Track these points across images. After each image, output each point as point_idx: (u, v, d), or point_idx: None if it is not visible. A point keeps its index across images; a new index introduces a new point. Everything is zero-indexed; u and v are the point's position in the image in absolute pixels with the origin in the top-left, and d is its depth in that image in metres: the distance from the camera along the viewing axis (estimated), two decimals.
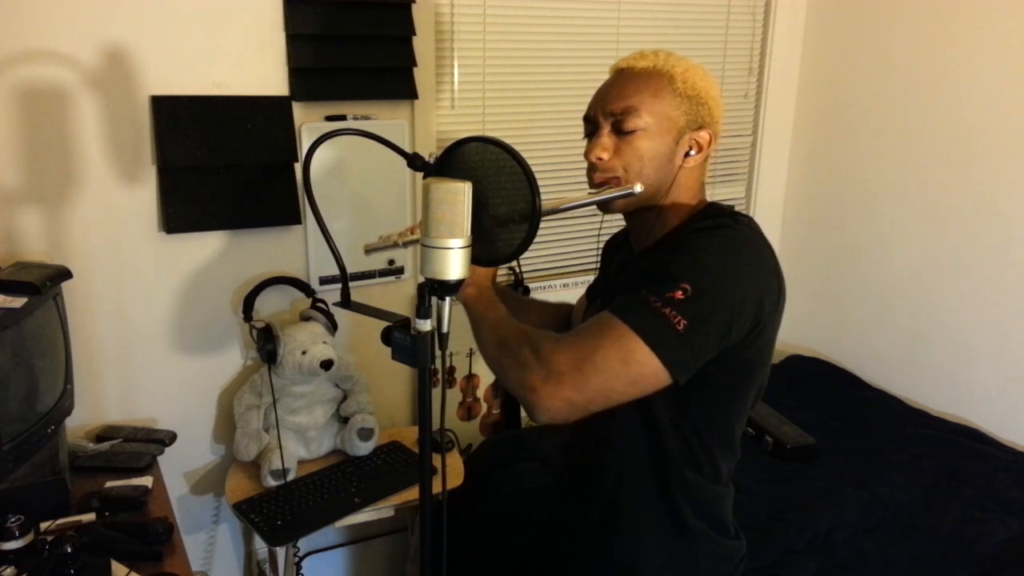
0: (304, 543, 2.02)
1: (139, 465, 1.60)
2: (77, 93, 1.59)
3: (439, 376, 2.05)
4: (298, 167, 1.83)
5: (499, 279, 2.22)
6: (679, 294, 0.96)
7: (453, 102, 2.07)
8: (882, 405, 2.34)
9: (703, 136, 1.11)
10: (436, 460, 1.14)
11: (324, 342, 1.78)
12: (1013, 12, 2.02)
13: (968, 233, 2.19)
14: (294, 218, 1.84)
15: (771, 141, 2.63)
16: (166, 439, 1.71)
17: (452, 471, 1.86)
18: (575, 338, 0.99)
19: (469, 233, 0.88)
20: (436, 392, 1.55)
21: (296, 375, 1.77)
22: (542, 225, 0.94)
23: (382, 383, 2.07)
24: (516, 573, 1.52)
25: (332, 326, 1.85)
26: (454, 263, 0.88)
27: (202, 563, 2.00)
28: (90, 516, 1.41)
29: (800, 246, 2.67)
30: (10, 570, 1.22)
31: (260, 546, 2.05)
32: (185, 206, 1.71)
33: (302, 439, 1.85)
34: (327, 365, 1.74)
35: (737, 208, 1.19)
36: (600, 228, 1.31)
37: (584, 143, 1.14)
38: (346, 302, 1.01)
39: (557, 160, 2.22)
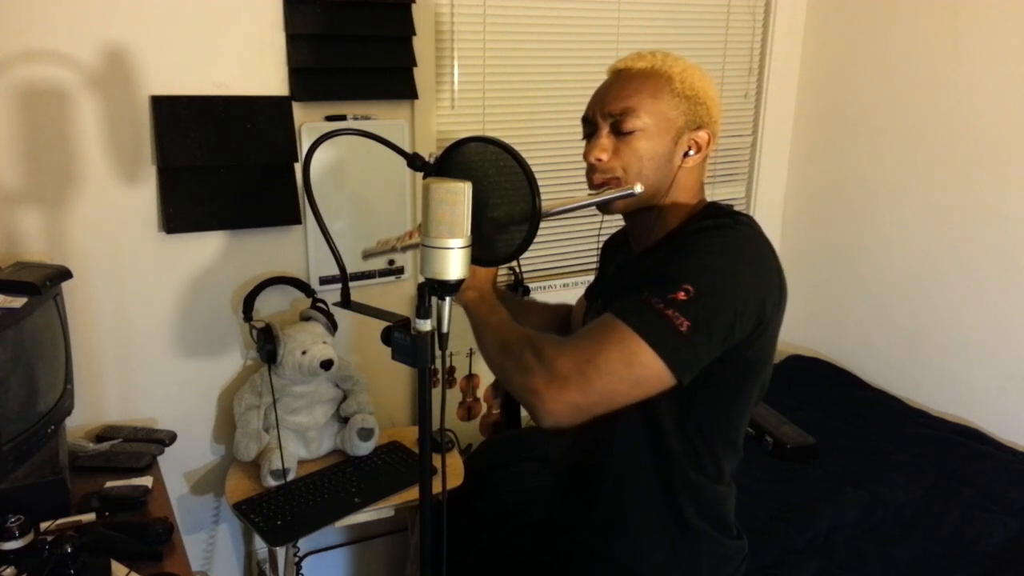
0: (304, 543, 2.02)
1: (139, 465, 1.60)
2: (77, 93, 1.59)
3: (439, 376, 2.05)
4: (298, 167, 1.83)
5: (499, 279, 2.22)
6: (681, 295, 0.95)
7: (453, 102, 2.07)
8: (882, 405, 2.34)
9: (702, 136, 1.11)
10: (436, 460, 1.14)
11: (324, 342, 1.78)
12: (1013, 12, 2.02)
13: (968, 233, 2.19)
14: (294, 218, 1.84)
15: (771, 141, 2.63)
16: (166, 439, 1.71)
17: (452, 471, 1.85)
18: (578, 341, 0.99)
19: (469, 233, 0.88)
20: (436, 392, 1.54)
21: (296, 375, 1.77)
22: (542, 225, 0.94)
23: (382, 383, 2.07)
24: (516, 573, 1.52)
25: (332, 326, 1.85)
26: (454, 263, 0.87)
27: (202, 563, 2.00)
28: (90, 516, 1.41)
29: (800, 246, 2.67)
30: (10, 570, 1.22)
31: (260, 546, 2.05)
32: (185, 206, 1.71)
33: (302, 439, 1.85)
34: (327, 365, 1.74)
35: (737, 208, 1.19)
36: (600, 228, 1.31)
37: (583, 144, 1.14)
38: (346, 302, 1.01)
39: (557, 160, 2.22)
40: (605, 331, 0.98)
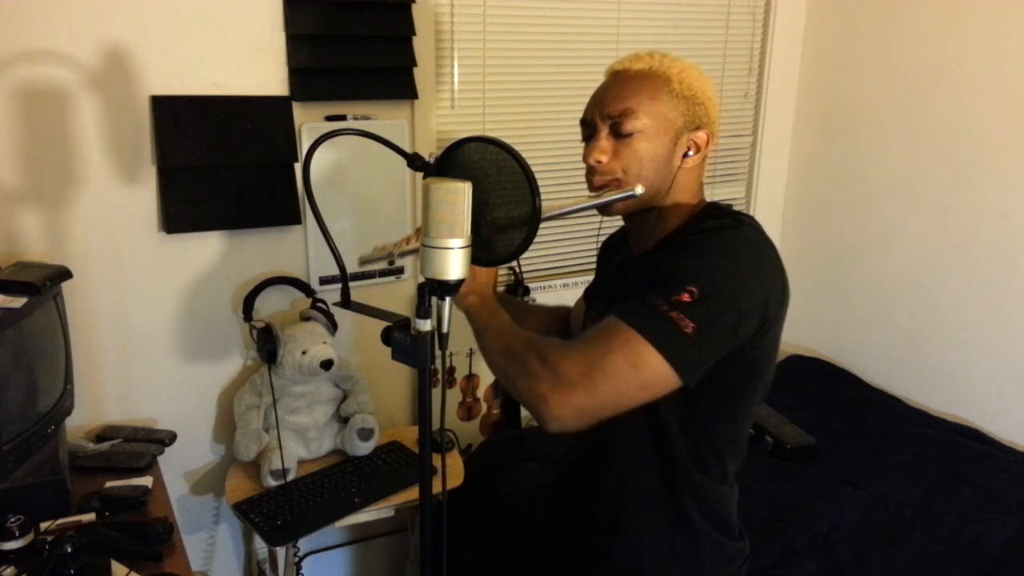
0: (304, 543, 2.02)
1: (139, 465, 1.60)
2: (77, 93, 1.59)
3: (439, 376, 2.05)
4: (298, 167, 1.83)
5: (499, 279, 2.22)
6: (686, 297, 0.95)
7: (453, 102, 2.07)
8: (882, 405, 2.34)
9: (701, 136, 1.11)
10: (436, 460, 1.14)
11: (324, 342, 1.78)
12: (1013, 12, 2.02)
13: (968, 233, 2.19)
14: (294, 218, 1.84)
15: (771, 141, 2.63)
16: (166, 439, 1.71)
17: (452, 471, 1.85)
18: (582, 345, 0.99)
19: (469, 233, 0.88)
20: (436, 392, 1.54)
21: (296, 375, 1.77)
22: (541, 226, 0.94)
23: (382, 383, 2.07)
24: (516, 573, 1.52)
25: (332, 326, 1.85)
26: (454, 263, 0.87)
27: (202, 563, 2.00)
28: (90, 516, 1.41)
29: (800, 246, 2.67)
30: (10, 570, 1.22)
31: (260, 546, 2.05)
32: (185, 206, 1.71)
33: (302, 439, 1.85)
34: (327, 365, 1.74)
35: (737, 208, 1.19)
36: (600, 228, 1.31)
37: (583, 144, 1.14)
38: (346, 302, 1.00)
39: (557, 160, 2.22)
40: (610, 334, 0.97)
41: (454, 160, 0.94)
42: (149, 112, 1.66)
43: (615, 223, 1.25)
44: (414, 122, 1.96)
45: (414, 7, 1.87)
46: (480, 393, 2.29)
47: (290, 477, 1.75)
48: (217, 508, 1.98)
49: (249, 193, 1.78)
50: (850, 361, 2.57)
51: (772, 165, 2.67)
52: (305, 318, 1.85)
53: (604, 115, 1.09)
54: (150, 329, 1.78)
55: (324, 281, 1.94)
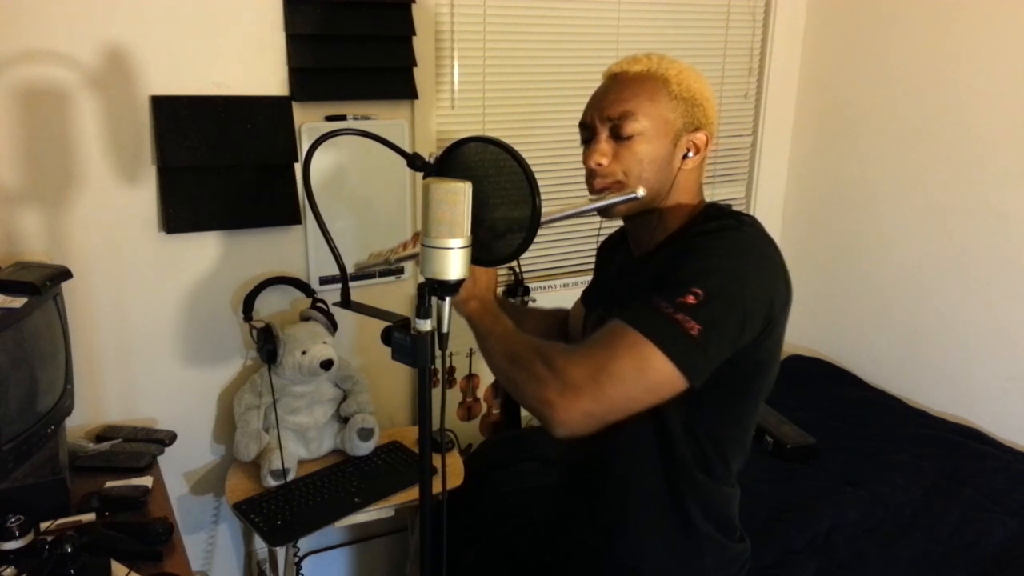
0: (304, 543, 2.02)
1: (139, 465, 1.60)
2: (77, 93, 1.59)
3: (439, 376, 2.05)
4: (298, 167, 1.83)
5: (499, 279, 2.22)
6: (691, 299, 0.95)
7: (453, 102, 2.07)
8: (882, 405, 2.34)
9: (700, 138, 1.11)
10: (436, 460, 1.14)
11: (324, 342, 1.78)
12: (1013, 12, 2.02)
13: (968, 233, 2.19)
14: (294, 218, 1.84)
15: (771, 141, 2.63)
16: (166, 439, 1.71)
17: (452, 471, 1.86)
18: (588, 349, 0.98)
19: (469, 233, 0.88)
20: (436, 392, 1.55)
21: (296, 375, 1.77)
22: (541, 228, 0.94)
23: (382, 383, 2.07)
24: (516, 573, 1.52)
25: (332, 326, 1.85)
26: (454, 263, 0.87)
27: (202, 563, 2.00)
28: (90, 516, 1.41)
29: (800, 246, 2.67)
30: (10, 570, 1.22)
31: (260, 546, 2.05)
32: (185, 206, 1.71)
33: (302, 439, 1.85)
34: (327, 365, 1.74)
35: (737, 208, 1.19)
36: (600, 228, 1.31)
37: (582, 146, 1.14)
38: (346, 302, 1.00)
39: (557, 160, 2.22)
40: (615, 338, 0.97)
41: (454, 160, 0.94)
42: (149, 112, 1.66)
43: (615, 223, 1.25)
44: (414, 122, 1.96)
45: (414, 7, 1.87)
46: (480, 393, 2.29)
47: (290, 477, 1.75)
48: (217, 508, 1.98)
49: (249, 193, 1.78)
50: (850, 361, 2.57)
51: (772, 165, 2.67)
52: (305, 318, 1.85)
53: (604, 118, 1.09)
54: (150, 329, 1.78)
55: (324, 281, 1.94)
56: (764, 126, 2.60)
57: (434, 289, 0.89)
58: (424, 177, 0.92)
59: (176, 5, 1.64)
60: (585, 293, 1.43)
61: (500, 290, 2.23)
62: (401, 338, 0.92)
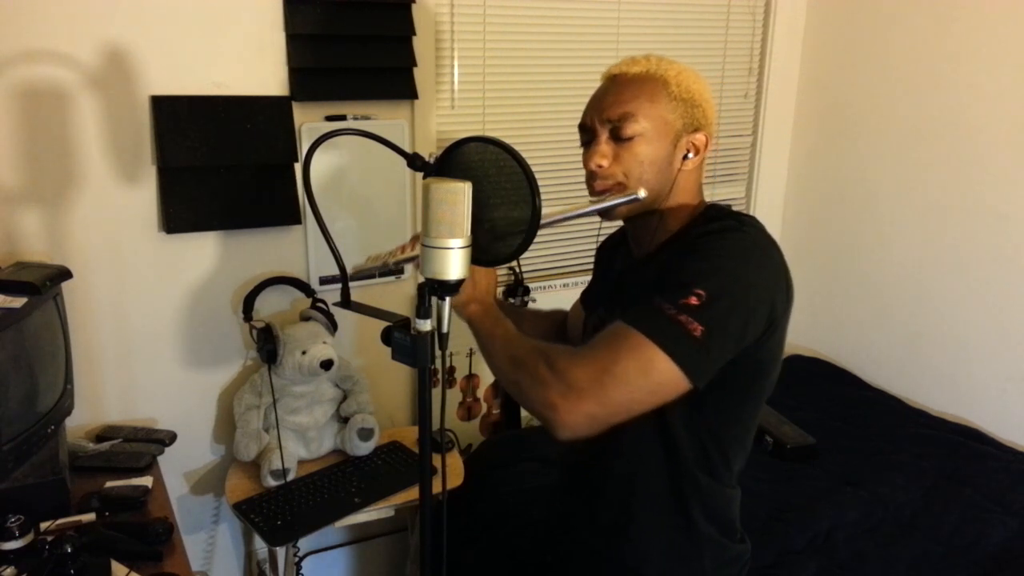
0: (304, 543, 2.02)
1: (139, 465, 1.60)
2: (77, 93, 1.59)
3: (439, 376, 2.05)
4: (298, 167, 1.83)
5: (499, 279, 2.22)
6: (693, 300, 0.95)
7: (453, 102, 2.07)
8: (882, 405, 2.34)
9: (699, 138, 1.11)
10: (436, 460, 1.14)
11: (324, 342, 1.78)
12: (1013, 12, 2.02)
13: (968, 233, 2.19)
14: (294, 218, 1.84)
15: (771, 141, 2.63)
16: (166, 439, 1.71)
17: (452, 471, 1.86)
18: (591, 351, 0.98)
19: (469, 233, 0.88)
20: (436, 392, 1.55)
21: (296, 375, 1.77)
22: (541, 228, 0.94)
23: (382, 383, 2.07)
24: (516, 573, 1.52)
25: (332, 326, 1.85)
26: (454, 263, 0.87)
27: (202, 563, 2.00)
28: (90, 516, 1.41)
29: (800, 246, 2.67)
30: (10, 570, 1.22)
31: (260, 546, 2.05)
32: (185, 206, 1.71)
33: (302, 439, 1.85)
34: (327, 365, 1.74)
35: (737, 208, 1.19)
36: (600, 229, 1.31)
37: (582, 146, 1.14)
38: (346, 302, 1.00)
39: (557, 160, 2.22)
40: (618, 340, 0.97)
41: (454, 160, 0.94)
42: (149, 112, 1.66)
43: (615, 224, 1.25)
44: (414, 122, 1.96)
45: (414, 7, 1.87)
46: (480, 393, 2.29)
47: (290, 477, 1.75)
48: (217, 508, 1.98)
49: (249, 193, 1.78)
50: (850, 361, 2.57)
51: (772, 165, 2.67)
52: (305, 318, 1.85)
53: (603, 119, 1.09)
54: (150, 329, 1.78)
55: (324, 281, 1.94)
56: (764, 126, 2.60)
57: (434, 289, 0.89)
58: (424, 177, 0.92)
59: (176, 5, 1.64)
60: (584, 294, 1.43)
61: (500, 290, 2.23)
62: (401, 338, 0.92)
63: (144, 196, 1.70)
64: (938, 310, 2.29)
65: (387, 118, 1.91)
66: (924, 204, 2.29)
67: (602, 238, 1.41)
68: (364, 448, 1.86)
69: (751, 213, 2.62)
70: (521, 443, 2.06)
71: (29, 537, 1.28)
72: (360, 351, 2.04)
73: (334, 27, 1.79)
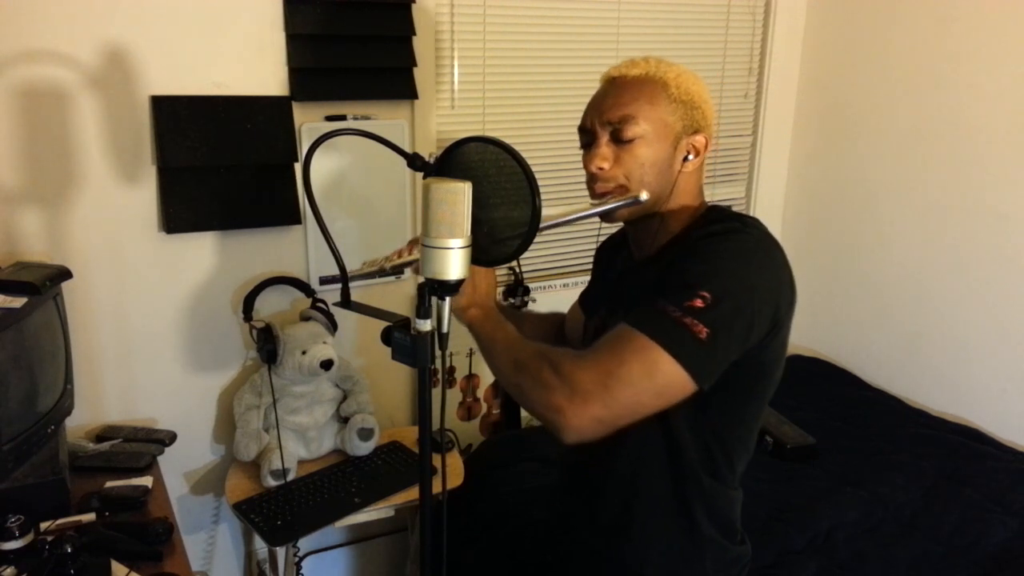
0: (304, 543, 2.02)
1: (139, 465, 1.60)
2: (77, 93, 1.59)
3: (439, 376, 2.05)
4: (298, 167, 1.83)
5: (498, 279, 2.22)
6: (698, 302, 0.95)
7: (453, 102, 2.07)
8: (882, 405, 2.34)
9: (699, 140, 1.11)
10: (436, 460, 1.14)
11: (324, 342, 1.78)
12: (1013, 12, 2.02)
13: (968, 233, 2.19)
14: (294, 218, 1.84)
15: (771, 141, 2.63)
16: (166, 439, 1.71)
17: (452, 471, 1.86)
18: (596, 354, 0.98)
19: (469, 233, 0.88)
20: (436, 392, 1.55)
21: (296, 375, 1.77)
22: (539, 230, 0.94)
23: (382, 383, 2.07)
24: (516, 573, 1.52)
25: (332, 326, 1.85)
26: (454, 263, 0.87)
27: (202, 563, 2.00)
28: (90, 516, 1.41)
29: (800, 246, 2.67)
30: (10, 570, 1.22)
31: (260, 546, 2.05)
32: (185, 206, 1.71)
33: (302, 439, 1.85)
34: (327, 365, 1.74)
35: (737, 208, 1.19)
36: (600, 229, 1.31)
37: (581, 153, 1.14)
38: (346, 302, 1.00)
39: (557, 160, 2.22)
40: (623, 342, 0.97)
41: (454, 160, 0.94)
42: (149, 112, 1.66)
43: (615, 225, 1.25)
44: (414, 122, 1.96)
45: (414, 7, 1.87)
46: (480, 393, 2.29)
47: (290, 477, 1.75)
48: (217, 508, 1.98)
49: (249, 193, 1.78)
50: (850, 361, 2.57)
51: (772, 165, 2.67)
52: (305, 318, 1.85)
53: (604, 122, 1.09)
54: (150, 329, 1.78)
55: (324, 281, 1.94)
56: (764, 126, 2.60)
57: (434, 289, 0.89)
58: (424, 177, 0.92)
59: (176, 5, 1.64)
60: (583, 296, 1.43)
61: (500, 291, 2.23)
62: (401, 338, 0.92)
63: (144, 196, 1.70)
64: (938, 310, 2.29)
65: (387, 118, 1.91)
66: (924, 204, 2.29)
67: (602, 239, 1.41)
68: (364, 448, 1.86)
69: (751, 213, 2.63)
70: (521, 443, 2.06)
71: (29, 537, 1.28)
72: (360, 351, 2.04)
73: (334, 27, 1.79)
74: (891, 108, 2.35)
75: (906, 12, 2.27)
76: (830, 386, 2.47)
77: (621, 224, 1.19)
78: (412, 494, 1.75)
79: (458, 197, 0.85)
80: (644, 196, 1.08)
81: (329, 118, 1.84)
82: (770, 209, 2.70)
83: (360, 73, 1.86)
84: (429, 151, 1.98)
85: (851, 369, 2.55)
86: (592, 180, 1.11)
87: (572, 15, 2.18)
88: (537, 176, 0.90)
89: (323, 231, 0.97)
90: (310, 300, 1.88)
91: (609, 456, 1.16)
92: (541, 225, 0.92)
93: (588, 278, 1.44)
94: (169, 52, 1.65)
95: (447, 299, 0.91)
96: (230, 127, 1.72)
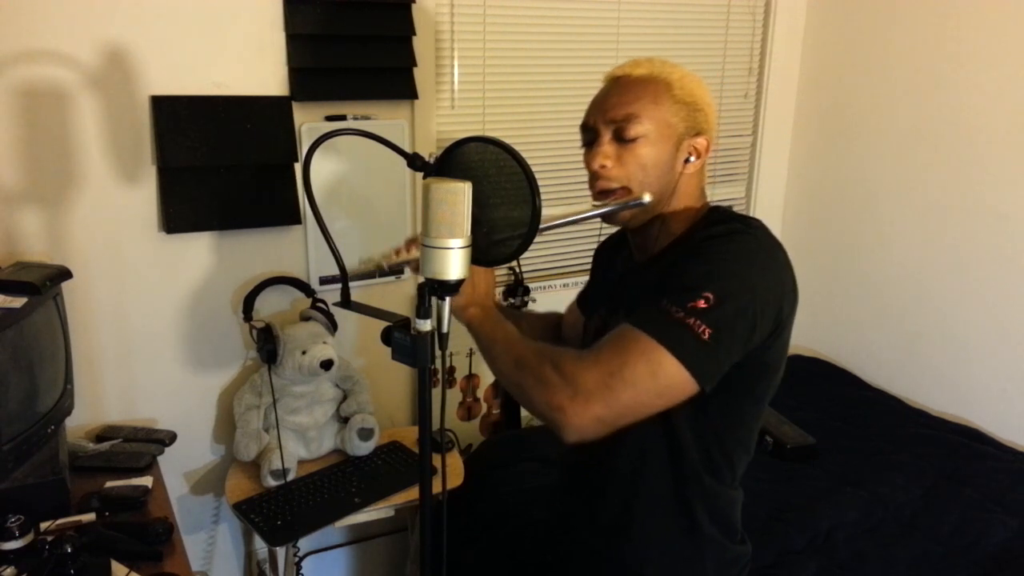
0: (304, 543, 2.02)
1: (139, 465, 1.60)
2: (77, 93, 1.59)
3: (439, 376, 2.05)
4: (298, 167, 1.83)
5: (498, 279, 2.22)
6: (701, 303, 0.95)
7: (453, 102, 2.07)
8: (882, 405, 2.34)
9: (701, 142, 1.11)
10: (436, 460, 1.14)
11: (324, 342, 1.78)
12: (1013, 12, 2.02)
13: (968, 233, 2.19)
14: (294, 218, 1.84)
15: (771, 141, 2.63)
16: (166, 439, 1.71)
17: (452, 471, 1.85)
18: (599, 353, 0.98)
19: (469, 233, 0.88)
20: (436, 392, 1.55)
21: (296, 375, 1.77)
22: (540, 231, 0.94)
23: (382, 383, 2.07)
24: (516, 573, 1.52)
25: (332, 326, 1.85)
26: (454, 263, 0.87)
27: (202, 563, 2.00)
28: (90, 516, 1.41)
29: (800, 246, 2.67)
30: (10, 570, 1.22)
31: (260, 546, 2.05)
32: (185, 206, 1.71)
33: (302, 439, 1.85)
34: (327, 365, 1.74)
35: (737, 208, 1.19)
36: (601, 229, 1.31)
37: (582, 152, 1.14)
38: (346, 302, 1.00)
39: (557, 160, 2.22)
40: (626, 342, 0.97)
41: (454, 160, 0.94)
42: (149, 112, 1.66)
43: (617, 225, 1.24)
44: (414, 122, 1.96)
45: (414, 7, 1.87)
46: (480, 393, 2.29)
47: (290, 477, 1.75)
48: (217, 508, 1.98)
49: (249, 193, 1.78)
50: (850, 361, 2.57)
51: (772, 165, 2.67)
52: (305, 318, 1.85)
53: (607, 120, 1.09)
54: (150, 329, 1.78)
55: (324, 281, 1.94)
56: (764, 126, 2.60)
57: (434, 289, 0.89)
58: (424, 177, 0.92)
59: (176, 5, 1.64)
60: (581, 296, 1.43)
61: (499, 291, 2.23)
62: (401, 338, 0.92)
63: (144, 196, 1.70)
64: (938, 310, 2.29)
65: (387, 118, 1.91)
66: (924, 204, 2.29)
67: (603, 238, 1.41)
68: (364, 448, 1.86)
69: (751, 213, 2.64)
70: (521, 443, 2.06)
71: (29, 537, 1.28)
72: (360, 351, 2.04)
73: (334, 27, 1.79)
74: (891, 108, 2.35)
75: (906, 12, 2.27)
76: (830, 386, 2.47)
77: (624, 227, 1.19)
78: (412, 494, 1.75)
79: (458, 197, 0.85)
80: (647, 198, 1.07)
81: (329, 118, 1.84)
82: (770, 209, 2.70)
83: (360, 73, 1.86)
84: (429, 151, 1.98)
85: (851, 369, 2.55)
86: (594, 178, 1.11)
87: (572, 15, 2.18)
88: (537, 176, 0.90)
89: (323, 231, 0.97)
90: (310, 300, 1.88)
91: (610, 456, 1.16)
92: (543, 226, 0.92)
93: (588, 278, 1.44)
94: (169, 52, 1.65)
95: (447, 299, 0.91)
96: (230, 127, 1.72)
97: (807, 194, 2.67)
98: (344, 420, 1.90)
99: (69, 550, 1.20)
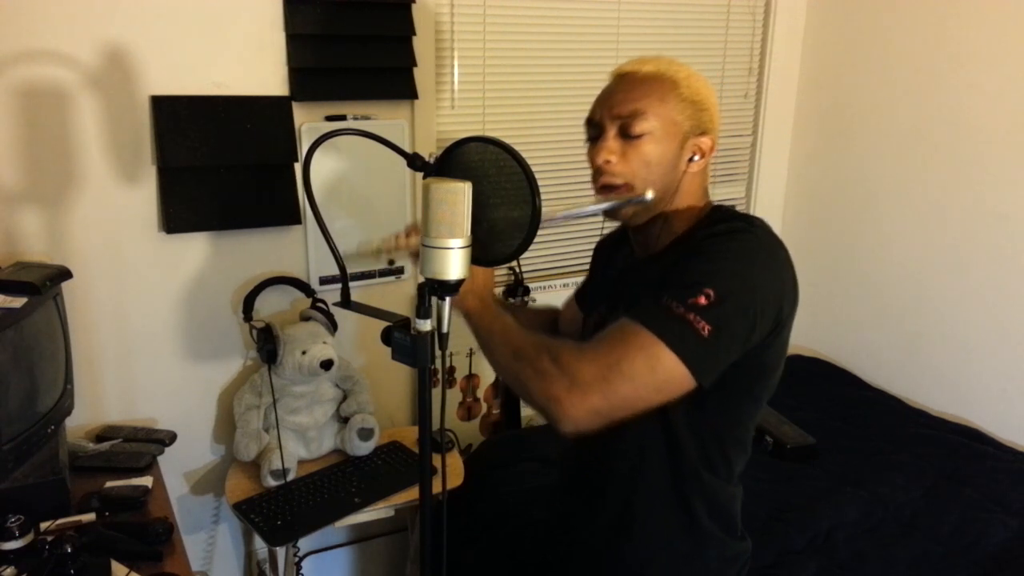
0: (304, 543, 2.02)
1: (139, 465, 1.60)
2: (77, 93, 1.59)
3: (439, 376, 2.05)
4: (298, 167, 1.83)
5: (498, 279, 2.22)
6: (702, 300, 0.95)
7: (453, 102, 2.07)
8: (882, 405, 2.34)
9: (705, 142, 1.11)
10: (436, 460, 1.14)
11: (324, 342, 1.78)
12: (1013, 12, 2.02)
13: (968, 233, 2.19)
14: (294, 218, 1.84)
15: (771, 141, 2.63)
16: (166, 439, 1.71)
17: (452, 471, 1.86)
18: (598, 346, 0.98)
19: (469, 233, 0.88)
20: (436, 392, 1.55)
21: (296, 375, 1.77)
22: (545, 227, 0.94)
23: (382, 383, 2.07)
24: (516, 573, 1.52)
25: (332, 326, 1.85)
26: (454, 263, 0.87)
27: (202, 563, 2.00)
28: (90, 516, 1.41)
29: (800, 246, 2.66)
30: (10, 570, 1.22)
31: (260, 546, 2.05)
32: (185, 206, 1.71)
33: (302, 439, 1.85)
34: (327, 365, 1.74)
35: (737, 208, 1.19)
36: (602, 228, 1.31)
37: (584, 144, 1.14)
38: (346, 302, 1.00)
39: (557, 160, 2.22)
40: (626, 336, 0.97)
41: (454, 160, 0.94)
42: (149, 112, 1.66)
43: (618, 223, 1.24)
44: (414, 122, 1.96)
45: (414, 7, 1.87)
46: (480, 393, 2.29)
47: (290, 477, 1.75)
48: (217, 508, 1.98)
49: (249, 193, 1.78)
50: (850, 361, 2.57)
51: (772, 165, 2.67)
52: (305, 318, 1.85)
53: (613, 115, 1.09)
54: (150, 329, 1.78)
55: (324, 281, 1.94)
56: (764, 126, 2.60)
57: (434, 289, 0.89)
58: (424, 177, 0.92)
59: (176, 5, 1.64)
60: (579, 292, 1.43)
61: (499, 290, 2.23)
62: (401, 338, 0.92)
63: (144, 196, 1.70)
64: (938, 310, 2.29)
65: (387, 118, 1.91)
66: (924, 204, 2.29)
67: (604, 235, 1.41)
68: (364, 448, 1.86)
69: (751, 213, 2.62)
70: (521, 443, 2.06)
71: (29, 537, 1.28)
72: (360, 351, 2.04)
73: (334, 27, 1.79)
74: (891, 108, 2.35)
75: (906, 12, 2.27)
76: (830, 386, 2.47)
77: (626, 224, 1.19)
78: (412, 494, 1.75)
79: (458, 197, 0.85)
80: (650, 195, 1.08)
81: (329, 118, 1.84)
82: (770, 209, 2.70)
83: (360, 73, 1.86)
84: (429, 151, 1.98)
85: (851, 369, 2.55)
86: (597, 174, 1.11)
87: (572, 15, 2.18)
88: (537, 176, 0.89)
89: (323, 231, 0.96)
90: (310, 300, 1.88)
91: (609, 455, 1.16)
92: (546, 219, 0.92)
93: (587, 275, 1.44)
94: (169, 52, 1.65)
95: (447, 299, 0.91)
96: (230, 127, 1.72)
97: (807, 194, 2.67)
98: (344, 420, 1.90)
99: (69, 550, 1.20)
